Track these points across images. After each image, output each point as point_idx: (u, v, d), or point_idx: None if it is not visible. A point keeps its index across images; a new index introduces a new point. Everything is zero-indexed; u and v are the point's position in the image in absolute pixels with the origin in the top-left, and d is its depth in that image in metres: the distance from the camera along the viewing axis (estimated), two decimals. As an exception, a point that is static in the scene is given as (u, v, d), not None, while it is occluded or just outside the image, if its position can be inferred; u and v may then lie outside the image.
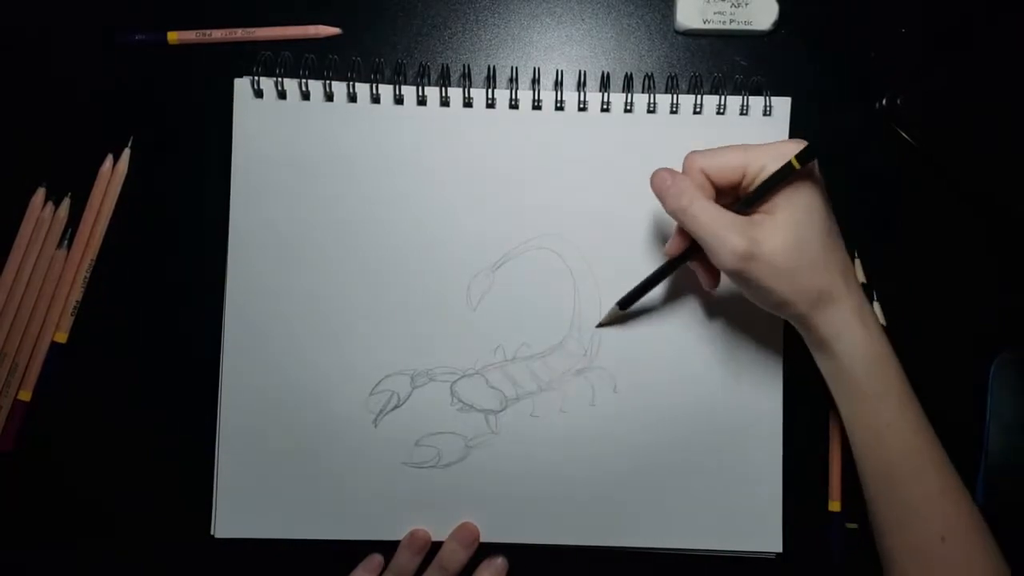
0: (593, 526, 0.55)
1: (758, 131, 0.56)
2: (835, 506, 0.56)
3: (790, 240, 0.45)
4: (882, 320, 0.56)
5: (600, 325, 0.55)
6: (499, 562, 0.55)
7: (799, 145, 0.45)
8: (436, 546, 0.55)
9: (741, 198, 0.47)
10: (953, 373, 0.57)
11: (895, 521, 0.49)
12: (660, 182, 0.47)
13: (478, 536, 0.55)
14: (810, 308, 0.47)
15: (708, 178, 0.47)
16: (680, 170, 0.48)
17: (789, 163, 0.44)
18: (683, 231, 0.49)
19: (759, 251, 0.45)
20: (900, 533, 0.49)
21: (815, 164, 0.46)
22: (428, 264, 0.56)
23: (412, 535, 0.55)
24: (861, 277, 0.57)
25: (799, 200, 0.46)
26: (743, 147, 0.47)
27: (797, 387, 0.56)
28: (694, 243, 0.48)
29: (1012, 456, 0.55)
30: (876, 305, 0.57)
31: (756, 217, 0.46)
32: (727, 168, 0.47)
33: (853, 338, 0.47)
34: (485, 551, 0.56)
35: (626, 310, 0.54)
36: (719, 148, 0.48)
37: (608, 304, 0.55)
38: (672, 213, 0.47)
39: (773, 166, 0.45)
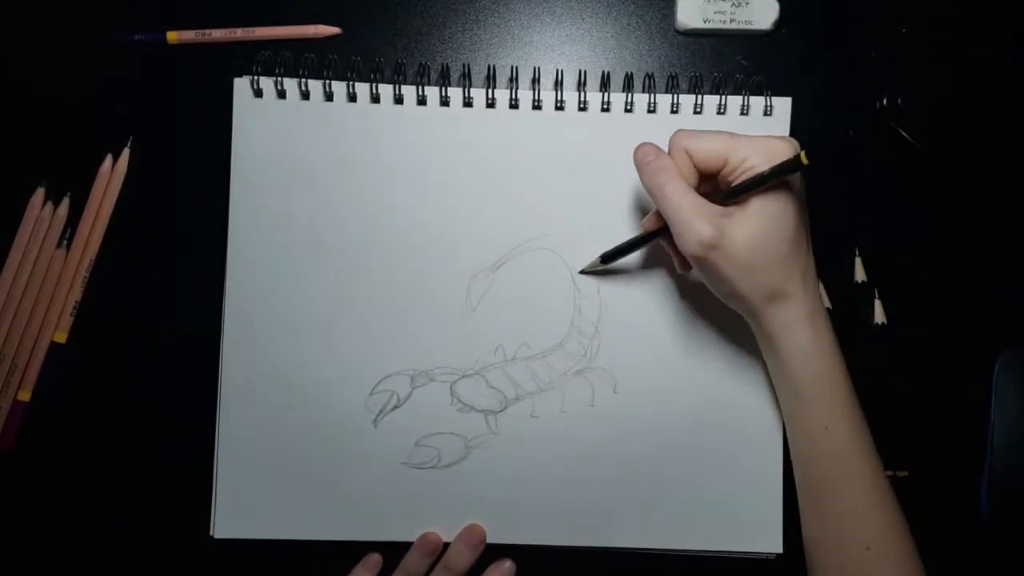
0: (592, 527, 0.55)
1: (759, 131, 0.55)
2: None
3: (755, 236, 0.45)
4: (883, 320, 0.56)
5: (582, 272, 0.55)
6: (507, 565, 0.55)
7: (786, 144, 0.46)
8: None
9: (723, 188, 0.47)
10: (956, 374, 0.57)
11: (823, 528, 0.49)
12: (643, 156, 0.48)
13: (484, 537, 0.55)
14: (762, 304, 0.47)
15: (691, 159, 0.47)
16: (666, 147, 0.48)
17: (797, 158, 0.44)
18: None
19: (723, 242, 0.45)
20: (827, 540, 0.49)
21: (799, 174, 0.46)
22: (428, 264, 0.55)
23: (424, 538, 0.55)
24: (861, 276, 0.57)
25: (773, 198, 0.46)
26: (730, 135, 0.47)
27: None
28: None
29: (1017, 456, 0.55)
30: (877, 304, 0.57)
31: (727, 208, 0.47)
32: (710, 153, 0.47)
33: (798, 339, 0.47)
34: (485, 552, 0.55)
35: (608, 264, 0.54)
36: (706, 131, 0.48)
37: (609, 305, 0.55)
38: (647, 188, 0.48)
39: (755, 160, 0.46)
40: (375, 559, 0.55)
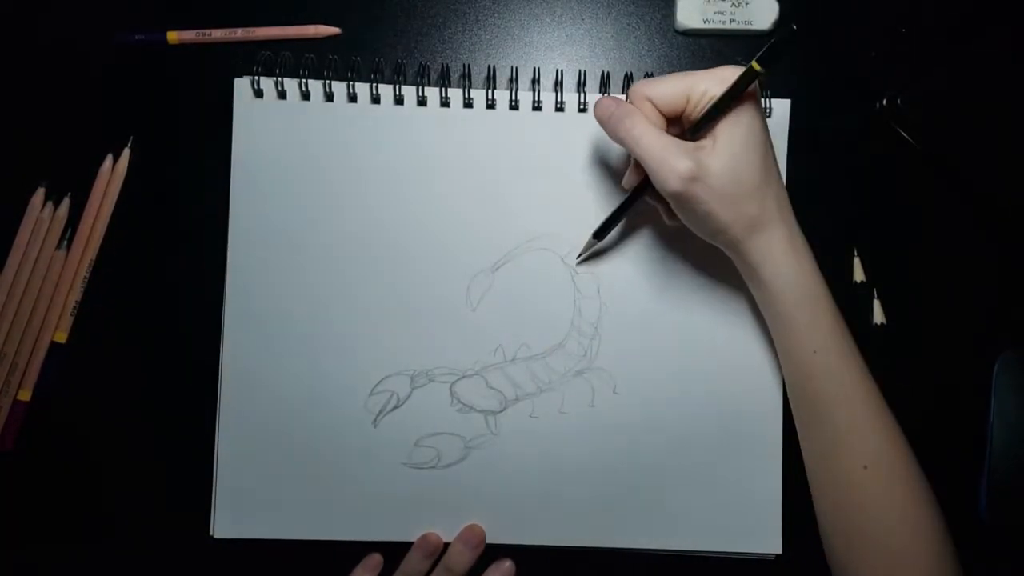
0: (592, 527, 0.55)
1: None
2: None
3: (732, 164, 0.46)
4: (882, 320, 0.56)
5: (580, 258, 0.56)
6: (507, 565, 0.56)
7: (737, 70, 0.45)
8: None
9: (688, 124, 0.47)
10: (956, 373, 0.57)
11: (820, 450, 0.50)
12: (604, 109, 0.48)
13: (484, 538, 0.55)
14: (743, 233, 0.47)
15: (655, 106, 0.47)
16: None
17: (750, 67, 0.44)
18: (638, 164, 0.49)
19: (702, 173, 0.45)
20: (825, 460, 0.50)
21: (757, 91, 0.46)
22: (428, 264, 0.56)
23: (424, 538, 0.55)
24: (860, 276, 0.57)
25: (740, 126, 0.46)
26: (685, 73, 0.47)
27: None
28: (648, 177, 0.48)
29: (1016, 455, 0.55)
30: (876, 304, 0.57)
31: (698, 143, 0.47)
32: (672, 94, 0.47)
33: (780, 264, 0.48)
34: (485, 552, 0.55)
35: (602, 240, 0.54)
36: (662, 76, 0.48)
37: (609, 305, 0.55)
38: (617, 139, 0.47)
39: (714, 89, 0.46)
40: (376, 559, 0.55)
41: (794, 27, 0.42)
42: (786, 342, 0.50)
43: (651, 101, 0.47)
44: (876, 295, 0.57)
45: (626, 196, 0.52)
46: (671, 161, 0.45)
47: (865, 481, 0.48)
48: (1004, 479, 0.55)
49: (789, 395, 0.51)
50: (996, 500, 0.55)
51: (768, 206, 0.47)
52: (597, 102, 0.48)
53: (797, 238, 0.48)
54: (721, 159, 0.46)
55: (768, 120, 0.55)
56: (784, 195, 0.48)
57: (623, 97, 0.49)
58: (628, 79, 0.56)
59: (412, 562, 0.55)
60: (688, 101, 0.47)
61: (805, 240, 0.49)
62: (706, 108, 0.46)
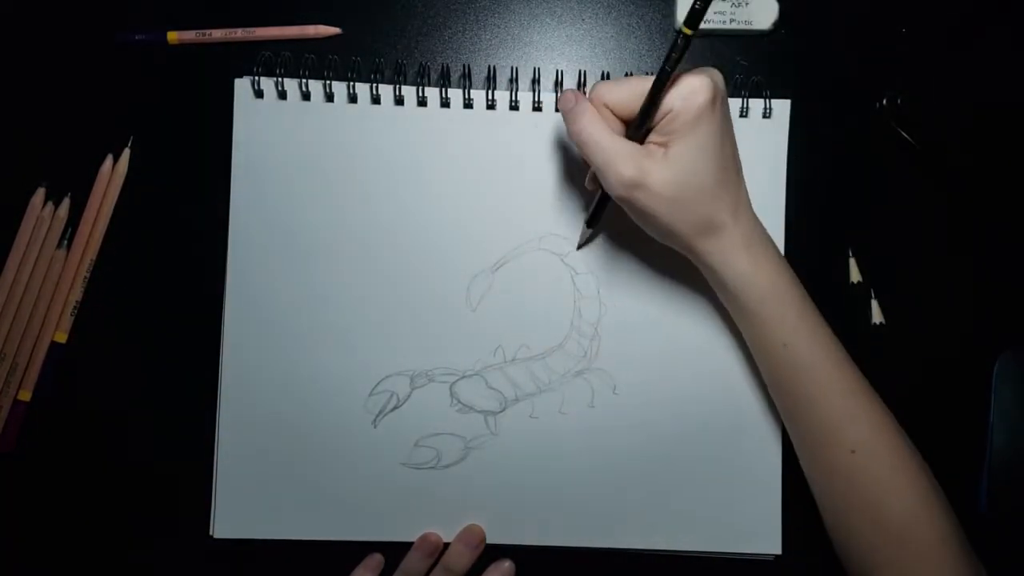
0: (591, 528, 0.55)
1: (758, 132, 0.56)
2: None
3: (679, 171, 0.45)
4: (880, 319, 0.56)
5: (578, 247, 0.56)
6: (506, 565, 0.56)
7: (703, 76, 0.45)
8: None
9: (633, 121, 0.47)
10: (956, 373, 0.57)
11: (805, 439, 0.50)
12: (565, 102, 0.47)
13: (484, 538, 0.55)
14: (696, 237, 0.47)
15: (612, 111, 0.47)
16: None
17: (679, 33, 0.43)
18: None
19: (646, 181, 0.45)
20: (811, 449, 0.50)
21: (718, 97, 0.45)
22: (428, 265, 0.56)
23: (424, 538, 0.55)
24: (857, 276, 0.57)
25: (696, 131, 0.45)
26: (643, 77, 0.47)
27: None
28: None
29: (1016, 455, 0.55)
30: (874, 304, 0.57)
31: (650, 147, 0.46)
32: (627, 99, 0.46)
33: (737, 266, 0.48)
34: (485, 551, 0.55)
35: (594, 227, 0.54)
36: (621, 79, 0.47)
37: (609, 306, 0.55)
38: (570, 136, 0.47)
39: (676, 101, 0.45)
40: (377, 559, 0.56)
41: None
42: (754, 338, 0.50)
43: (608, 106, 0.47)
44: (874, 295, 0.57)
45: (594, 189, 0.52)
46: (616, 166, 0.45)
47: (853, 466, 0.48)
48: (1004, 477, 0.56)
49: (769, 388, 0.52)
50: (996, 498, 0.55)
51: (722, 210, 0.47)
52: (562, 93, 0.48)
53: (755, 238, 0.48)
54: (669, 166, 0.45)
55: (768, 120, 0.56)
56: (742, 194, 0.48)
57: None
58: (628, 79, 0.56)
59: (412, 562, 0.55)
60: (648, 106, 0.46)
61: (766, 237, 0.49)
62: (663, 123, 0.45)
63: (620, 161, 0.45)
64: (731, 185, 0.47)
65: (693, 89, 0.45)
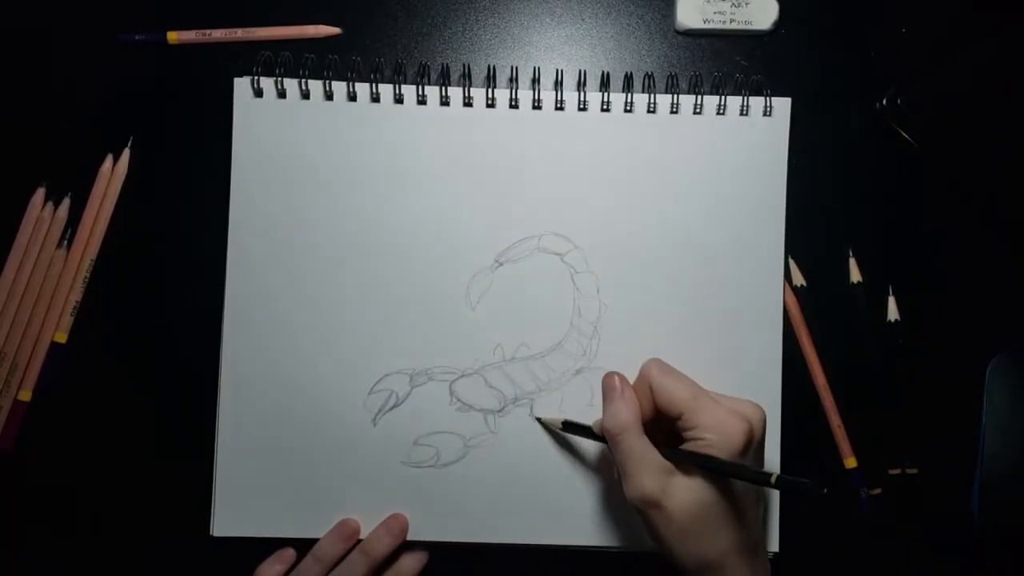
0: (592, 527, 0.55)
1: (758, 131, 0.56)
2: (851, 463, 0.56)
3: (695, 504, 0.45)
4: (896, 316, 0.56)
5: (540, 419, 0.55)
6: (420, 554, 0.55)
7: (742, 423, 0.45)
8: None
9: (672, 448, 0.47)
10: (950, 374, 0.57)
11: None
12: (609, 387, 0.49)
13: (407, 527, 0.54)
14: (693, 572, 0.46)
15: (653, 396, 0.48)
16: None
17: (769, 475, 0.43)
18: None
19: (665, 503, 0.45)
20: None
21: (753, 444, 0.46)
22: (427, 263, 0.56)
23: (342, 523, 0.54)
24: (857, 276, 0.57)
25: (720, 479, 0.45)
26: (695, 393, 0.47)
27: (796, 389, 0.56)
28: None
29: (1008, 457, 0.55)
30: (891, 301, 0.56)
31: (675, 467, 0.46)
32: (670, 403, 0.47)
33: None
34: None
35: (563, 431, 0.54)
36: (677, 376, 0.48)
37: (608, 305, 0.55)
38: (604, 423, 0.48)
39: (710, 437, 0.45)
40: (289, 553, 0.55)
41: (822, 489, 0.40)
42: None
43: (652, 391, 0.48)
44: (891, 291, 0.56)
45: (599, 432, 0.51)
46: (640, 476, 0.45)
47: None
48: (996, 480, 0.55)
49: None
50: (988, 501, 0.55)
51: (726, 553, 0.45)
52: (606, 375, 0.49)
53: None
54: (686, 496, 0.45)
55: (768, 118, 0.56)
56: (746, 542, 0.46)
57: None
58: (628, 79, 0.56)
59: (325, 545, 0.54)
60: (681, 418, 0.47)
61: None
62: (694, 445, 0.46)
63: (646, 473, 0.45)
64: (741, 527, 0.46)
65: (729, 435, 0.45)
